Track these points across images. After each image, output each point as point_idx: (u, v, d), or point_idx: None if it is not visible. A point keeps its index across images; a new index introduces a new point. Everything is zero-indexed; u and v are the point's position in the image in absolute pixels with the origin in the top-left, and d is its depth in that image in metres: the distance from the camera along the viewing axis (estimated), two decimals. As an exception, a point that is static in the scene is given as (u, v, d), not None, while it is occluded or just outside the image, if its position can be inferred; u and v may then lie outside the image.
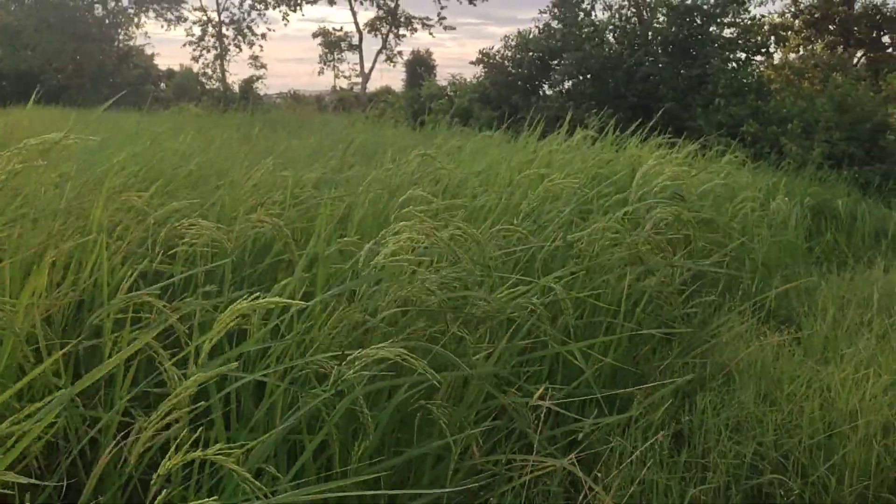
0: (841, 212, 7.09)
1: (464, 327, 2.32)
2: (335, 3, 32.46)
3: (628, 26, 16.88)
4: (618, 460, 2.33)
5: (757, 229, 4.99)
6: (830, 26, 20.78)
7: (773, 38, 19.40)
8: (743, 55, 16.05)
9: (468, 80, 18.74)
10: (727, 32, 16.18)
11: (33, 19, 29.15)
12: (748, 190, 5.54)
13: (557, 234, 3.22)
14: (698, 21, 15.87)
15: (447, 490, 1.90)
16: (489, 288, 2.56)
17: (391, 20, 32.12)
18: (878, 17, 19.98)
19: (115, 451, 1.68)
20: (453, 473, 2.08)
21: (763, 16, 17.81)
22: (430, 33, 32.96)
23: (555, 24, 17.33)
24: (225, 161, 4.63)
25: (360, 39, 32.61)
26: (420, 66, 31.75)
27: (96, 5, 32.39)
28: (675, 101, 14.40)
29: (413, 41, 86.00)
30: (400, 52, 32.78)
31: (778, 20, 21.01)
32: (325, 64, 35.14)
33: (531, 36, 17.39)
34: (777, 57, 19.69)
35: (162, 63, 38.25)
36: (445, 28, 32.40)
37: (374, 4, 31.67)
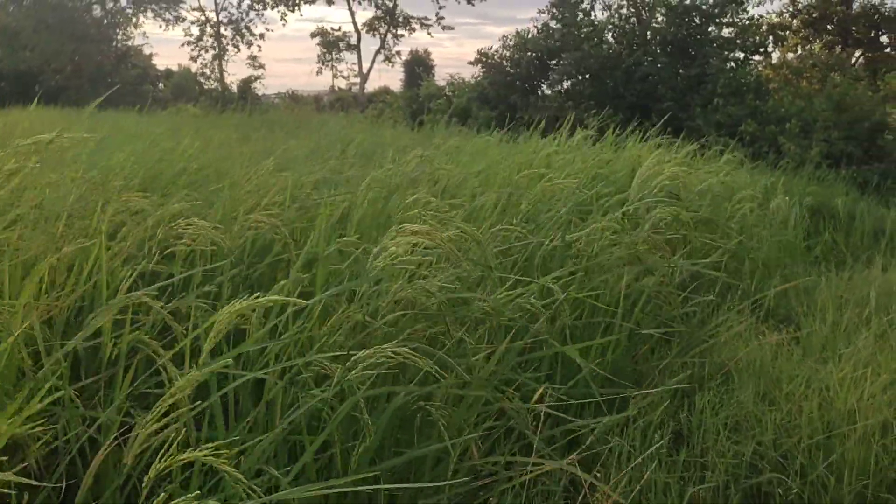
0: (839, 211, 7.10)
1: (463, 328, 2.32)
2: (333, 3, 32.32)
3: (627, 26, 16.87)
4: (616, 460, 2.34)
5: (755, 229, 5.00)
6: (828, 26, 20.79)
7: (771, 37, 19.44)
8: (741, 55, 16.07)
9: (466, 80, 18.71)
10: (725, 32, 16.19)
11: (32, 20, 29.10)
12: (747, 189, 5.55)
13: (556, 233, 3.23)
14: (697, 21, 15.87)
15: (447, 482, 1.90)
16: (490, 288, 2.56)
17: (389, 20, 32.04)
18: (876, 17, 19.99)
19: (114, 451, 1.68)
20: (453, 474, 2.08)
21: (761, 15, 17.90)
22: (429, 33, 32.76)
23: (553, 23, 17.31)
24: (224, 162, 4.63)
25: (359, 39, 32.55)
26: (418, 66, 31.71)
27: (95, 6, 32.31)
28: (674, 100, 14.40)
29: (411, 41, 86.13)
30: (398, 52, 32.72)
31: (776, 20, 21.03)
32: (323, 64, 35.02)
33: (530, 36, 17.37)
34: (775, 57, 19.74)
35: (160, 63, 38.10)
36: (444, 28, 32.31)
37: (373, 4, 31.60)
